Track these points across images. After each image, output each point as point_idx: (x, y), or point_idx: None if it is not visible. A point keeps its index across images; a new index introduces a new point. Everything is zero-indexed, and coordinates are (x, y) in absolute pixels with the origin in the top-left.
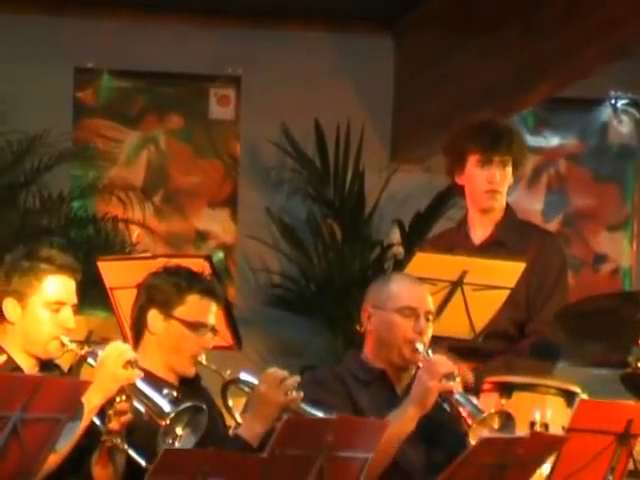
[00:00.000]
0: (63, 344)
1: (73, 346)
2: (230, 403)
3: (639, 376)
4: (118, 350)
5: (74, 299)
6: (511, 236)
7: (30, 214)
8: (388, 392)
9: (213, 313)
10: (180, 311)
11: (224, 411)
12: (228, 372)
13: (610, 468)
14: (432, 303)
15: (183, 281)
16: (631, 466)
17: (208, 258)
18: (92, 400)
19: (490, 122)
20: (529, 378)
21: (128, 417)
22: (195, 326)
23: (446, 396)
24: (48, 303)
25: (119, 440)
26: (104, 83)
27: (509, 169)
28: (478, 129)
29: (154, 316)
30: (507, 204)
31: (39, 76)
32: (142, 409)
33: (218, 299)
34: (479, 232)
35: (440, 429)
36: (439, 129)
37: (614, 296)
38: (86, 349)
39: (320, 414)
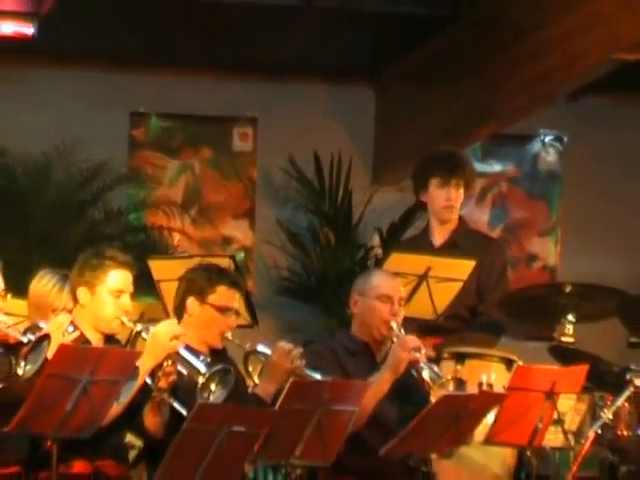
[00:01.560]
0: (123, 323)
1: (130, 324)
2: (250, 369)
3: (562, 347)
4: (169, 326)
5: (131, 288)
6: (463, 241)
7: (96, 224)
8: (370, 361)
9: (237, 300)
10: (212, 298)
11: (245, 375)
12: (248, 345)
13: (540, 418)
14: (403, 292)
15: (214, 275)
16: (555, 416)
17: (232, 257)
18: (145, 364)
19: (448, 153)
20: (478, 349)
21: (173, 378)
22: (223, 310)
23: (414, 365)
24: (111, 291)
25: (166, 395)
26: (152, 123)
27: (462, 190)
28: (439, 159)
29: (192, 302)
30: (460, 216)
31: (104, 118)
32: (184, 371)
33: (240, 289)
34: (438, 238)
35: (409, 390)
36: (410, 159)
37: (543, 286)
38: (140, 326)
39: (318, 377)
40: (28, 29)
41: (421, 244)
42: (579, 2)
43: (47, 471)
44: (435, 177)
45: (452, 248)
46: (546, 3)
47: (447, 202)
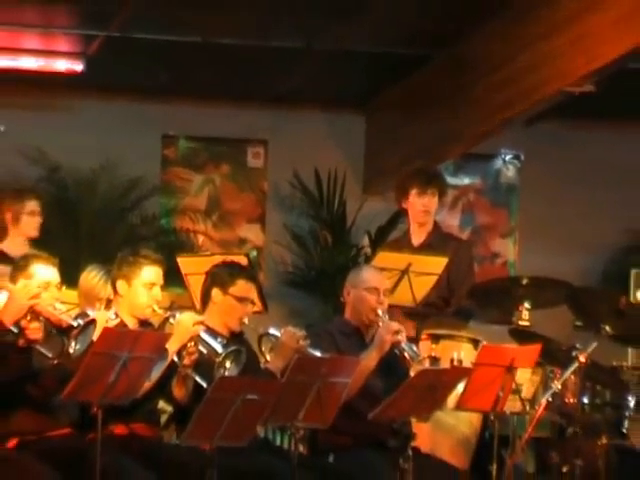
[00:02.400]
0: (154, 310)
1: (160, 311)
2: (262, 348)
3: (519, 330)
4: (191, 315)
5: (161, 281)
6: (438, 241)
7: (134, 227)
8: (360, 341)
9: (253, 291)
10: (233, 290)
11: (258, 353)
12: (261, 329)
13: (501, 388)
14: (388, 284)
15: (235, 271)
16: (514, 387)
17: (247, 255)
18: (172, 346)
19: (424, 168)
20: (450, 331)
21: (195, 356)
22: (242, 300)
23: (396, 345)
24: (145, 284)
25: (190, 371)
26: (180, 144)
27: (436, 198)
28: (417, 173)
29: (216, 293)
30: (435, 221)
31: (140, 140)
32: (204, 351)
33: (255, 282)
34: (417, 238)
35: (393, 365)
36: (393, 173)
37: (504, 279)
38: (169, 313)
39: (318, 354)
40: (78, 66)
41: (403, 244)
42: (534, 43)
43: (93, 432)
44: (414, 188)
45: (428, 247)
46: (506, 44)
47: (424, 208)
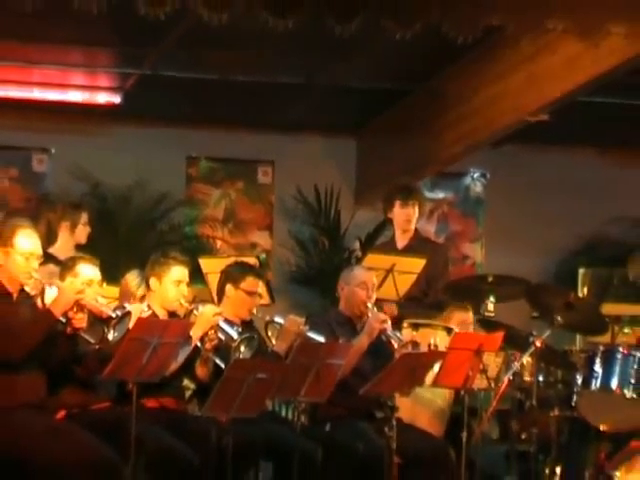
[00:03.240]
0: (181, 303)
1: (186, 304)
2: (269, 333)
3: (486, 319)
4: (211, 307)
5: (187, 279)
6: (418, 245)
7: (163, 234)
8: (352, 329)
9: (260, 286)
10: (243, 285)
11: (265, 338)
12: (267, 317)
13: (470, 368)
14: (375, 281)
15: (244, 269)
16: (481, 367)
17: (257, 257)
18: (196, 333)
19: (406, 184)
20: (428, 320)
21: (215, 342)
22: (251, 293)
23: (383, 332)
24: (173, 281)
25: (210, 354)
26: (201, 164)
27: (416, 209)
28: (400, 188)
29: (229, 288)
30: (416, 228)
31: (168, 160)
32: (223, 337)
33: (263, 279)
34: (400, 243)
35: (380, 349)
36: (380, 189)
37: (472, 277)
38: (192, 306)
39: (317, 340)
40: (116, 99)
41: (390, 248)
42: (496, 79)
43: (129, 406)
44: (398, 200)
45: (411, 250)
46: (473, 80)
47: (406, 218)
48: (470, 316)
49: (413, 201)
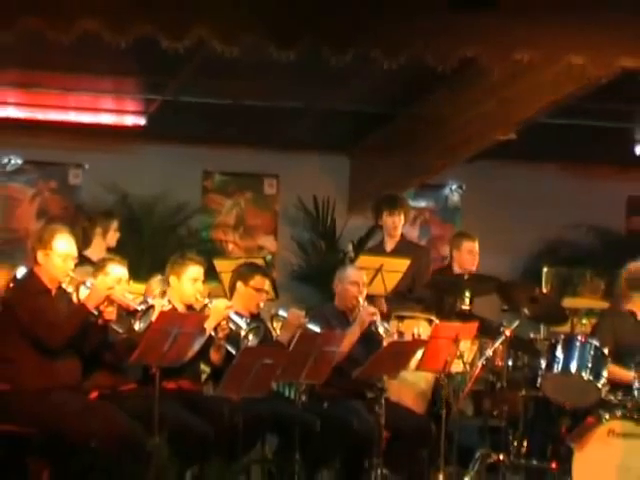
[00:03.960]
0: (197, 298)
1: (202, 299)
2: (274, 324)
3: (462, 312)
4: (224, 301)
5: (202, 277)
6: (404, 248)
7: (182, 238)
8: (346, 321)
9: (266, 284)
10: (252, 283)
11: (271, 328)
12: (272, 310)
13: (449, 354)
14: (366, 279)
15: (254, 269)
16: (458, 353)
17: (264, 258)
18: (210, 324)
19: (393, 196)
20: (412, 313)
21: (227, 331)
22: (259, 290)
23: (372, 323)
24: (191, 279)
25: (223, 342)
26: (216, 178)
27: (402, 216)
28: (388, 199)
29: (240, 285)
30: (402, 233)
31: (186, 174)
32: (233, 327)
33: (269, 277)
34: (389, 246)
35: (370, 339)
36: (369, 199)
37: (452, 277)
38: (207, 300)
39: (316, 329)
40: (141, 121)
41: (379, 250)
42: (471, 104)
43: (152, 387)
44: (386, 210)
45: (398, 252)
46: (451, 105)
47: (394, 225)
48: (476, 245)
49: (399, 210)
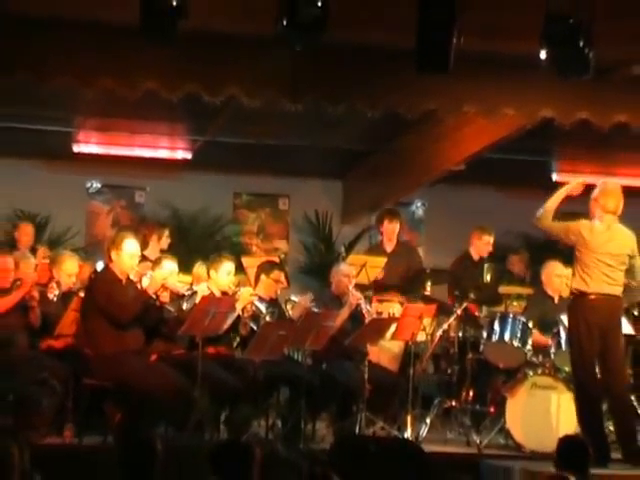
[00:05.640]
0: (229, 287)
1: (233, 287)
2: (287, 307)
3: (425, 296)
4: (249, 290)
5: (233, 270)
6: (400, 249)
7: (218, 242)
8: (339, 304)
9: (282, 276)
10: (272, 276)
11: (285, 310)
12: (286, 296)
13: (415, 328)
14: (354, 272)
15: (273, 265)
16: (422, 327)
17: (279, 257)
18: (239, 306)
19: (392, 209)
20: (388, 298)
21: (251, 312)
22: (276, 281)
23: (358, 305)
24: (225, 272)
25: (248, 320)
26: (243, 197)
27: (398, 225)
28: (388, 211)
29: (263, 277)
30: (398, 236)
31: (221, 195)
32: (255, 309)
33: (284, 271)
34: (388, 248)
35: (357, 316)
36: (358, 214)
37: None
38: (236, 289)
39: (318, 310)
40: (188, 155)
41: (379, 250)
42: (431, 143)
43: (196, 352)
44: (386, 219)
45: (396, 253)
46: (417, 143)
47: (393, 230)
48: (491, 239)
49: (397, 219)
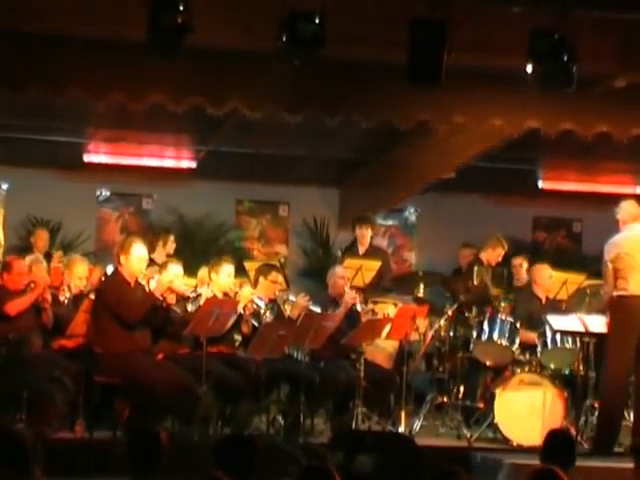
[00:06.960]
0: (231, 288)
1: (234, 288)
2: (285, 307)
3: (418, 298)
4: (250, 290)
5: (233, 273)
6: (371, 252)
7: (221, 247)
8: (336, 304)
9: (280, 278)
10: (269, 277)
11: (283, 309)
12: (285, 297)
13: (408, 328)
14: (350, 274)
15: (270, 267)
16: (415, 327)
17: (279, 261)
18: (240, 306)
19: (363, 216)
20: (383, 299)
21: (252, 311)
22: (274, 282)
23: (354, 305)
24: (226, 274)
25: (249, 318)
26: (245, 204)
27: (369, 230)
28: (359, 218)
29: (261, 280)
30: (370, 241)
31: (225, 202)
32: (256, 308)
33: (282, 273)
34: (361, 250)
35: (352, 316)
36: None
37: (410, 272)
38: (238, 289)
39: (316, 310)
40: (192, 165)
41: (353, 252)
42: (425, 152)
43: (201, 351)
44: (358, 225)
45: (366, 255)
46: (410, 154)
47: (362, 235)
48: (503, 252)
49: (366, 226)
